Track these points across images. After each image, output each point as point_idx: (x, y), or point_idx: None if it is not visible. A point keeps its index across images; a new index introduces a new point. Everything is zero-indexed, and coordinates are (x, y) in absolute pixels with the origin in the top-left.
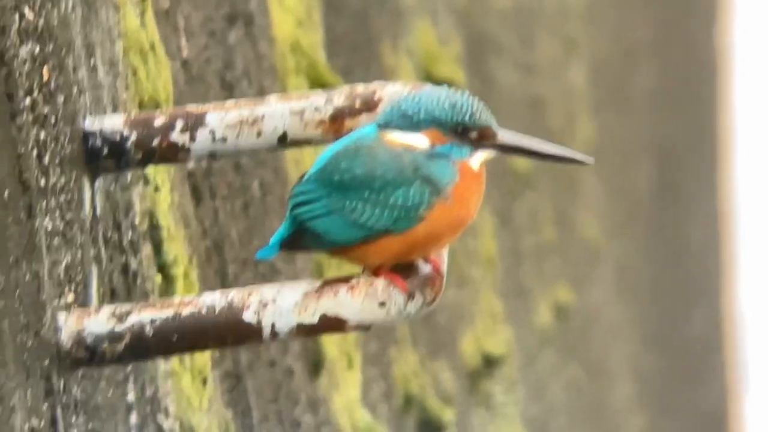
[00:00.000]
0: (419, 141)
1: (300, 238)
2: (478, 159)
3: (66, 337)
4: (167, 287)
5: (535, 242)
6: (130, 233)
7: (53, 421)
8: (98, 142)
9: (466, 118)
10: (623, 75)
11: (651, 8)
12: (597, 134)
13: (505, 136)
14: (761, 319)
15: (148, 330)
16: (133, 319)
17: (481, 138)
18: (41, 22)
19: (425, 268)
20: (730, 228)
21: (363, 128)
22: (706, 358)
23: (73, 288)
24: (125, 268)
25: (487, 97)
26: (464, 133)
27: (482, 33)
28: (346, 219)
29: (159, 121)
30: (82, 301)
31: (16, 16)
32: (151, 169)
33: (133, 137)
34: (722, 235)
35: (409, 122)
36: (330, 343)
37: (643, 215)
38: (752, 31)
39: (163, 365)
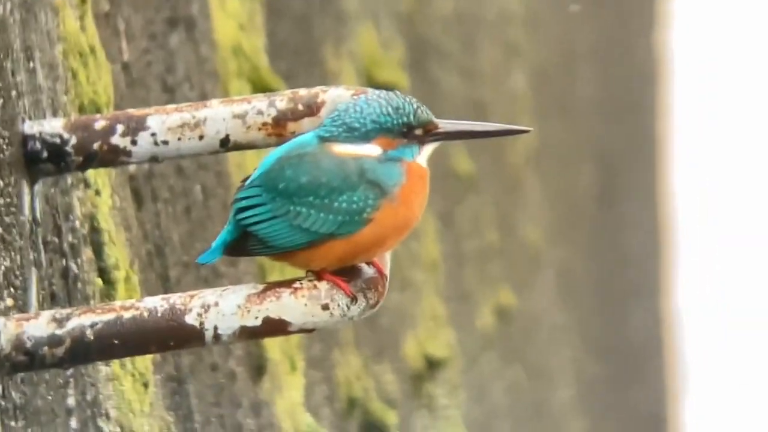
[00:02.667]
0: (371, 150)
1: (243, 243)
2: (426, 154)
3: (5, 341)
4: (108, 291)
5: (478, 246)
6: (70, 237)
7: None
8: (38, 146)
9: (411, 118)
10: (564, 81)
11: (591, 15)
12: (538, 139)
13: (446, 125)
14: (699, 322)
15: (89, 334)
16: (73, 323)
17: (426, 133)
18: None
19: (368, 271)
20: (668, 232)
21: (304, 135)
22: (645, 360)
23: (12, 292)
24: (65, 272)
25: (429, 101)
26: (410, 132)
27: (425, 38)
28: (291, 224)
29: (100, 124)
30: (22, 306)
31: None
32: (91, 173)
33: (74, 141)
34: (661, 240)
35: (357, 134)
36: (273, 346)
37: (584, 220)
38: (690, 37)
39: (104, 369)
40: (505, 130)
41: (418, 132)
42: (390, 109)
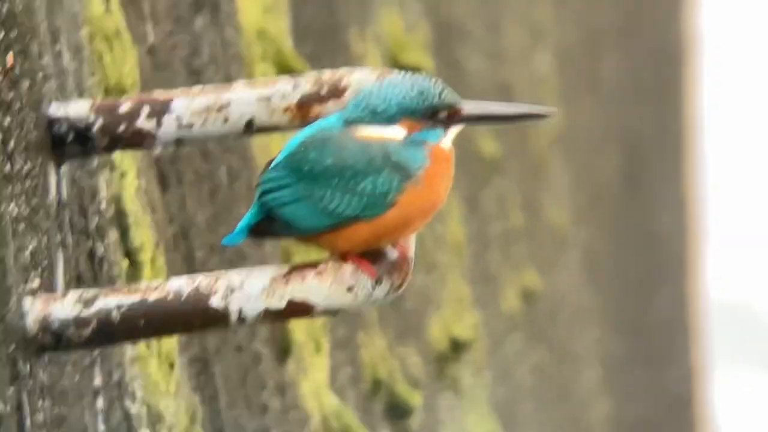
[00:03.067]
0: (396, 133)
1: (268, 225)
2: (451, 137)
3: (32, 322)
4: (134, 273)
5: (503, 228)
6: (96, 219)
7: (19, 406)
8: (64, 128)
9: (435, 101)
10: (590, 62)
11: None
12: (564, 121)
13: (471, 107)
14: (726, 303)
15: (115, 315)
16: (99, 305)
17: (451, 116)
18: (5, 8)
19: (393, 254)
20: (695, 214)
21: (328, 118)
22: (671, 341)
23: (38, 273)
24: (91, 254)
25: (455, 83)
26: (434, 115)
27: (449, 20)
28: (315, 206)
29: (125, 107)
30: (48, 287)
31: None
32: (117, 155)
33: (99, 123)
34: (687, 221)
35: (382, 117)
36: (298, 328)
37: (610, 201)
38: (718, 19)
39: (129, 350)
40: (530, 113)
41: (443, 115)
42: (415, 91)
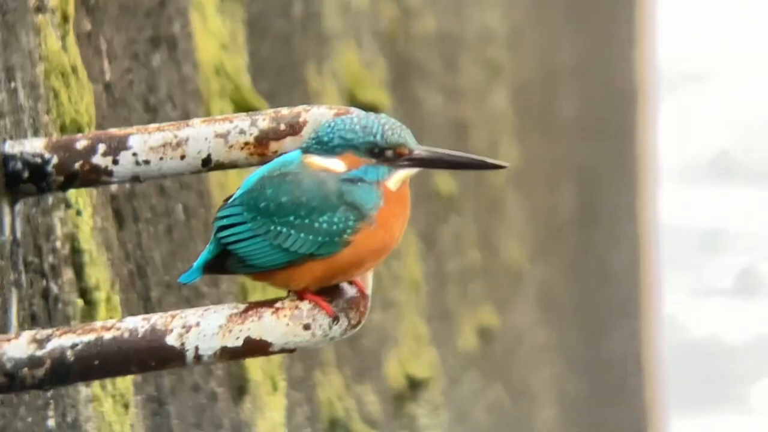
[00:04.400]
0: (335, 165)
1: (224, 262)
2: (397, 178)
3: None
4: (89, 312)
5: (460, 265)
6: (51, 257)
7: None
8: (19, 166)
9: (378, 138)
10: (545, 100)
11: (572, 34)
12: (520, 158)
13: (421, 151)
14: (682, 341)
15: (69, 355)
16: (53, 344)
17: (397, 156)
18: None
19: (350, 291)
20: (649, 251)
21: (288, 154)
22: (627, 379)
23: None
24: (46, 293)
25: (412, 120)
26: (380, 153)
27: (406, 57)
28: (271, 243)
29: (81, 144)
30: (2, 327)
31: None
32: (73, 193)
33: (55, 160)
34: (643, 259)
35: (326, 148)
36: (254, 366)
37: (566, 238)
38: (671, 57)
39: (84, 390)
40: (482, 163)
41: (389, 154)
42: (358, 126)
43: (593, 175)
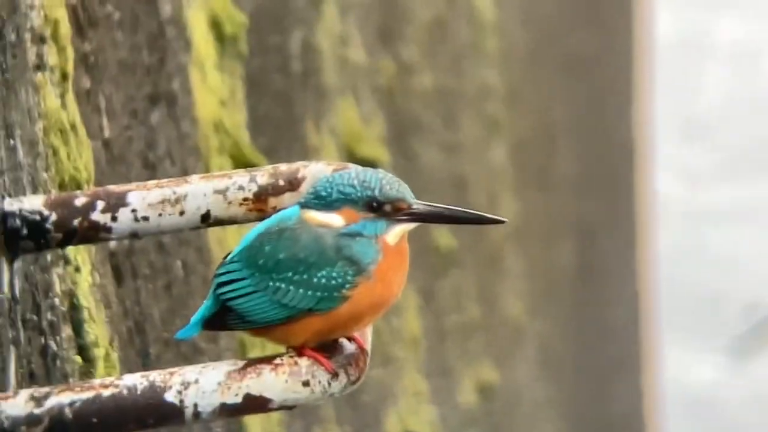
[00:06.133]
0: (334, 220)
1: (223, 318)
2: (395, 233)
3: None
4: (87, 369)
5: (459, 321)
6: (49, 314)
7: None
8: (17, 223)
9: (376, 192)
10: (544, 155)
11: (569, 90)
12: (519, 213)
13: (419, 206)
14: (683, 397)
15: (68, 413)
16: (52, 402)
17: (396, 211)
18: None
19: (350, 347)
20: (649, 306)
21: (287, 210)
22: None
23: None
24: (44, 351)
25: (410, 176)
26: (379, 208)
27: (405, 113)
28: (270, 299)
29: (80, 201)
30: (0, 385)
31: None
32: (71, 249)
33: (54, 217)
34: (642, 314)
35: (324, 203)
36: (253, 423)
37: (565, 294)
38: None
39: None
40: (481, 217)
41: (387, 209)
42: (356, 181)
43: (592, 230)
